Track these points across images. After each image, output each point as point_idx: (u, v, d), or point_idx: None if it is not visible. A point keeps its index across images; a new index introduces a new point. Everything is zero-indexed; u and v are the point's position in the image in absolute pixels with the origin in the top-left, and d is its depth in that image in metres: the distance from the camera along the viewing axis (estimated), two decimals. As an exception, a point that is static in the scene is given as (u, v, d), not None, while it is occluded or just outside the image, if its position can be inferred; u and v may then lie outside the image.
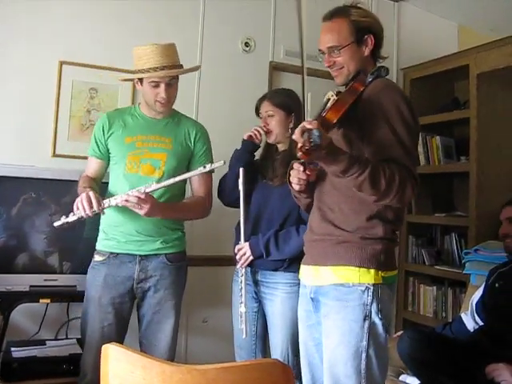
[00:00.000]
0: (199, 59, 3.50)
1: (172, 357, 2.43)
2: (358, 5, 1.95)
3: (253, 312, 2.56)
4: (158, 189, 2.28)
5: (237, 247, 2.50)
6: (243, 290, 2.39)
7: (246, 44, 3.69)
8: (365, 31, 1.91)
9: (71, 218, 2.26)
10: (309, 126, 1.57)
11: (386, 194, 1.69)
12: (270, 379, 1.20)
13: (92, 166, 2.52)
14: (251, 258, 2.45)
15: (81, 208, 2.22)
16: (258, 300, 2.56)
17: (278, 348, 2.47)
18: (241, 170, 2.42)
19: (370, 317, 1.77)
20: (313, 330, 1.95)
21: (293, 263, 2.36)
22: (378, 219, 1.82)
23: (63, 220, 2.28)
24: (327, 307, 1.84)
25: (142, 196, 2.20)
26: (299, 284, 2.05)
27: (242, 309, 2.37)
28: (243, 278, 2.42)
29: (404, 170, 1.71)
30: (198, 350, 3.43)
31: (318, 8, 1.95)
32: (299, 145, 1.59)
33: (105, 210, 2.30)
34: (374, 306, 1.78)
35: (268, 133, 2.56)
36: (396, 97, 1.81)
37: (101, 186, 2.50)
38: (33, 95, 3.17)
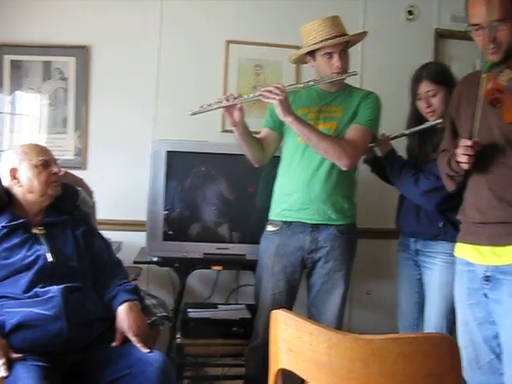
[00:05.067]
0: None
1: (339, 326, 2.48)
2: None
3: (416, 279, 2.56)
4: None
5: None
6: None
7: (410, 12, 3.56)
8: None
9: (206, 108, 2.38)
10: None
11: None
12: (436, 353, 1.19)
13: (262, 133, 2.61)
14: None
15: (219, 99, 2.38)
16: (420, 268, 2.55)
17: (433, 320, 2.45)
18: None
19: None
20: (475, 308, 1.93)
21: (449, 233, 2.32)
22: None
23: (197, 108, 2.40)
24: None
25: (272, 88, 2.28)
26: None
27: None
28: None
29: None
30: (361, 321, 3.46)
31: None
32: None
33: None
34: None
35: (432, 112, 2.47)
36: None
37: (272, 160, 2.62)
38: (201, 76, 3.38)
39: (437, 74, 2.47)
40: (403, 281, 2.64)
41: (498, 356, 1.88)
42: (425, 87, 2.46)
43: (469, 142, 1.82)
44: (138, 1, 3.36)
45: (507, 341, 1.82)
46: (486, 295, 1.89)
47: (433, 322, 2.44)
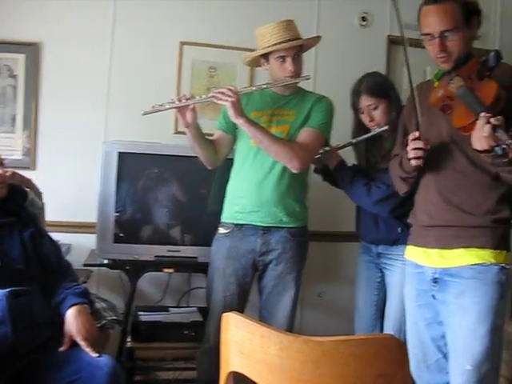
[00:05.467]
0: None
1: (290, 328, 2.49)
2: None
3: (376, 281, 2.60)
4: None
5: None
6: None
7: (363, 18, 3.62)
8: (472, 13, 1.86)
9: (158, 108, 2.37)
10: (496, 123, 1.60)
11: None
12: (386, 354, 1.22)
13: (215, 135, 2.61)
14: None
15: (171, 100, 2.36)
16: (381, 271, 2.59)
17: (391, 318, 2.49)
18: None
19: (505, 296, 1.82)
20: (424, 309, 1.98)
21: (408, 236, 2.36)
22: (506, 202, 1.85)
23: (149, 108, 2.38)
24: (461, 286, 1.85)
25: (224, 90, 2.28)
26: None
27: None
28: None
29: None
30: (313, 323, 3.48)
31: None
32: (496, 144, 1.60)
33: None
34: (506, 286, 1.82)
35: (376, 125, 2.51)
36: None
37: (225, 162, 2.61)
38: (154, 76, 3.34)
39: (375, 87, 2.50)
40: (362, 282, 2.67)
41: (445, 355, 1.93)
42: (365, 101, 2.50)
43: (417, 134, 1.87)
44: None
45: (453, 340, 1.88)
46: (434, 297, 1.94)
47: (391, 323, 2.49)
